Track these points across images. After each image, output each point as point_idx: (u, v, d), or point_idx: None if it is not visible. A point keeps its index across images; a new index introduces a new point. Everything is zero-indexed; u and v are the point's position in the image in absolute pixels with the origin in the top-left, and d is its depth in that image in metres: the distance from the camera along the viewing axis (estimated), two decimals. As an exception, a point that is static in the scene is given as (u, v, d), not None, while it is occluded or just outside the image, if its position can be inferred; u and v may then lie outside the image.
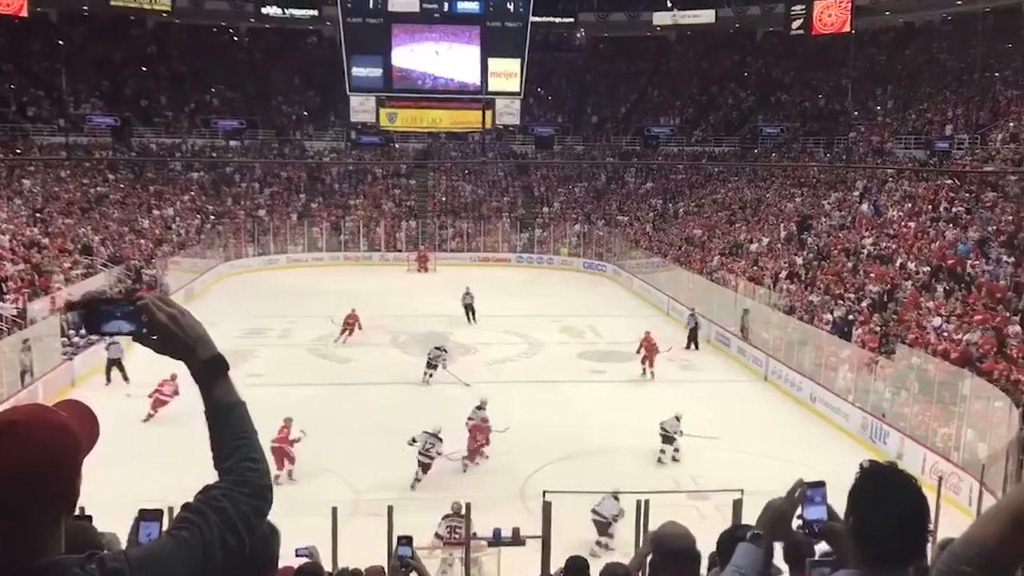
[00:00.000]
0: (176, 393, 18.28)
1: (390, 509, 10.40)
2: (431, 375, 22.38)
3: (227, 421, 1.94)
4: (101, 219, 37.14)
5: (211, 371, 1.97)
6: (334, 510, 10.54)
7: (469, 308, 29.98)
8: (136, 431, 17.98)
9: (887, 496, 2.09)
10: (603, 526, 13.54)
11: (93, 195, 39.60)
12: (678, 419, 17.50)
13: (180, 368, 2.03)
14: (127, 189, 42.44)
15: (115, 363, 21.84)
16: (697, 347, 27.25)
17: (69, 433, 1.73)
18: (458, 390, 21.56)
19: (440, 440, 16.05)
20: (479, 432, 17.22)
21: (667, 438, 17.47)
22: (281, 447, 16.00)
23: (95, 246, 33.08)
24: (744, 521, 10.88)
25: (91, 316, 1.94)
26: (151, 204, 41.91)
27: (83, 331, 21.96)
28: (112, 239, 35.04)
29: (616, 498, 13.52)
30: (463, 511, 11.58)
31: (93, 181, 41.30)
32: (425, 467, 15.95)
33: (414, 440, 15.97)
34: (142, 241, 36.51)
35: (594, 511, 13.58)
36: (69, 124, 43.40)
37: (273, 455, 15.55)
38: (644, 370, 23.66)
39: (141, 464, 15.22)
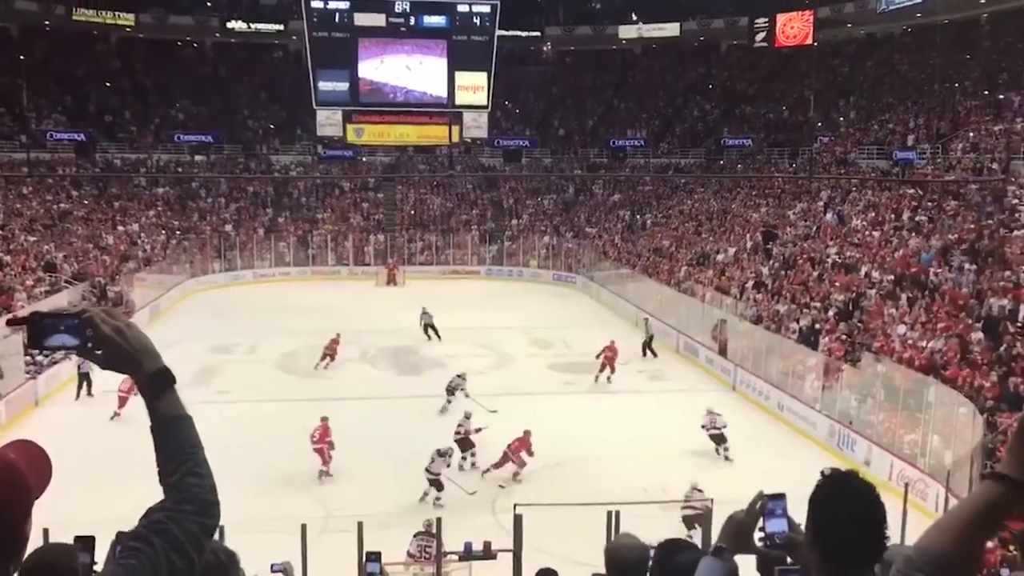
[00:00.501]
0: (132, 388, 18.08)
1: (360, 525, 10.33)
2: (451, 402, 21.47)
3: (173, 435, 1.91)
4: (65, 236, 36.71)
5: (157, 384, 1.93)
6: (303, 527, 10.44)
7: (428, 327, 29.37)
8: (109, 446, 17.74)
9: (844, 503, 2.13)
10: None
11: (56, 211, 39.15)
12: (719, 413, 18.47)
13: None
14: (91, 205, 41.99)
15: (86, 377, 21.55)
16: (655, 355, 27.46)
17: (16, 477, 1.70)
18: (431, 405, 21.52)
19: (442, 457, 15.87)
20: (519, 445, 17.24)
21: (718, 437, 18.16)
22: (322, 447, 17.00)
23: (59, 263, 32.69)
24: (714, 531, 10.93)
25: (34, 330, 1.87)
26: (116, 220, 41.47)
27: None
28: (76, 256, 34.64)
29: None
30: (434, 528, 11.54)
31: (56, 197, 40.84)
32: (433, 483, 15.78)
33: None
34: (106, 258, 36.11)
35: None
36: (31, 140, 42.89)
37: (318, 455, 17.09)
38: (597, 377, 24.19)
39: (113, 479, 15.02)
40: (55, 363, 22.63)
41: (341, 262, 44.61)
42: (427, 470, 15.83)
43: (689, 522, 14.00)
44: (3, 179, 39.50)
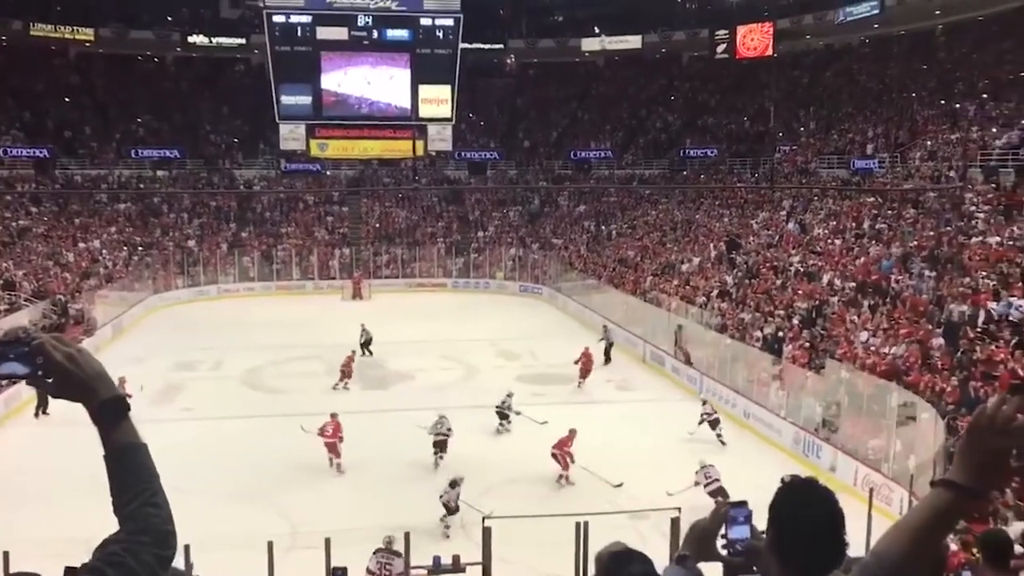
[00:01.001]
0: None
1: (327, 541, 10.28)
2: (504, 425, 21.06)
3: (127, 464, 1.87)
4: (24, 253, 36.19)
5: (111, 412, 1.89)
6: (270, 544, 10.36)
7: (365, 345, 29.04)
8: (70, 466, 17.47)
9: (803, 508, 2.16)
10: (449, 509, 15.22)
11: (15, 228, 38.59)
12: (705, 402, 20.79)
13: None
14: (51, 222, 41.46)
15: (44, 395, 21.23)
16: (609, 360, 27.95)
17: None
18: (398, 423, 21.44)
19: (453, 488, 15.52)
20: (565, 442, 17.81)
21: (713, 422, 19.84)
22: (333, 442, 18.12)
23: (18, 281, 32.21)
24: (682, 539, 10.96)
25: None
26: (76, 237, 40.95)
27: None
28: (36, 273, 34.16)
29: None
30: (394, 544, 11.51)
31: (15, 214, 40.28)
32: (448, 510, 15.48)
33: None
34: (67, 275, 35.64)
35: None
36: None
37: (329, 450, 18.22)
38: (580, 383, 24.89)
39: (75, 500, 14.79)
40: (14, 383, 22.26)
41: (306, 276, 44.37)
42: (440, 498, 15.57)
43: (715, 495, 15.09)
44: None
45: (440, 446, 18.36)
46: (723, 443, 19.67)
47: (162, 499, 1.87)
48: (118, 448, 1.87)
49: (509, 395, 21.60)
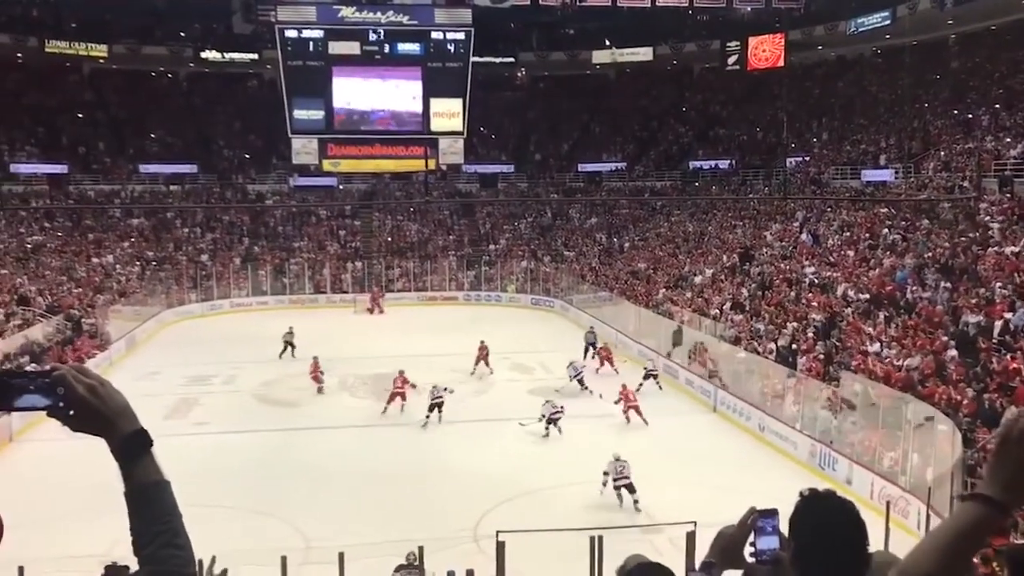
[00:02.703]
0: None
1: (341, 556, 10.25)
2: (548, 431, 21.23)
3: (149, 503, 1.81)
4: (38, 268, 36.39)
5: (133, 447, 1.83)
6: (283, 559, 10.35)
7: (288, 343, 30.63)
8: (85, 482, 17.50)
9: (824, 521, 2.15)
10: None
11: (30, 244, 38.82)
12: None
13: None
14: (65, 237, 41.71)
15: None
16: (591, 359, 29.28)
17: None
18: (410, 436, 21.42)
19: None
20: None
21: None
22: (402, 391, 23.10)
23: (32, 296, 32.36)
24: (698, 553, 10.89)
25: (2, 391, 1.78)
26: (90, 252, 41.18)
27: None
28: (50, 288, 34.33)
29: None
30: (417, 561, 11.44)
31: (29, 230, 40.53)
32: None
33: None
34: (81, 290, 35.80)
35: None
36: (4, 174, 42.61)
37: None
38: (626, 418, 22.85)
39: (89, 515, 14.81)
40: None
41: (318, 290, 44.45)
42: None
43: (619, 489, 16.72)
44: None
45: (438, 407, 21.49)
46: (660, 387, 24.76)
47: (184, 540, 1.82)
48: (139, 486, 1.82)
49: (548, 402, 21.72)
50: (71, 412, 1.78)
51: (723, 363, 25.24)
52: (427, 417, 22.24)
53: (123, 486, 1.81)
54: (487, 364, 28.40)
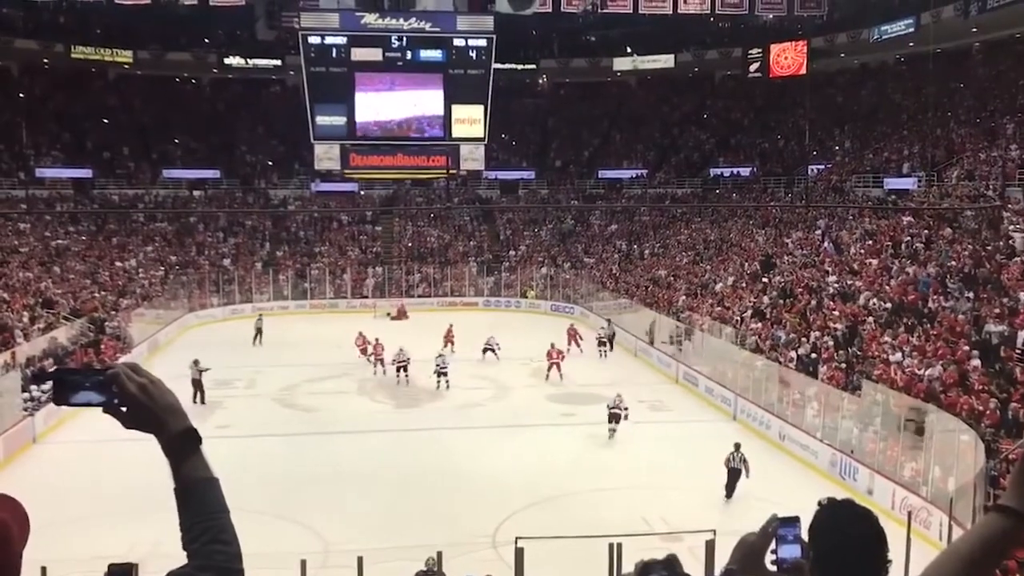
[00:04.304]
0: None
1: (359, 560, 10.28)
2: (614, 430, 21.69)
3: (198, 499, 1.86)
4: (63, 272, 36.73)
5: (183, 445, 1.88)
6: (303, 562, 10.39)
7: (259, 332, 32.31)
8: (106, 484, 17.65)
9: (843, 530, 2.14)
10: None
11: (54, 248, 39.20)
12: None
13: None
14: (89, 241, 42.09)
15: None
16: (611, 349, 32.79)
17: (6, 529, 1.69)
18: (431, 441, 21.45)
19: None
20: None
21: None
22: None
23: (57, 299, 32.66)
24: (717, 562, 10.85)
25: (60, 387, 1.86)
26: (113, 256, 41.54)
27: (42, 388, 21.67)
28: (74, 292, 34.63)
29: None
30: (436, 566, 11.45)
31: (54, 234, 40.91)
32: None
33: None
34: (104, 293, 36.09)
35: None
36: (30, 178, 43.07)
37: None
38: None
39: (109, 517, 14.92)
40: (51, 403, 22.53)
41: (339, 295, 44.63)
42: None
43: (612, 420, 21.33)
44: (1, 216, 39.57)
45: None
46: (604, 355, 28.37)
47: (231, 535, 1.86)
48: (189, 482, 1.86)
49: (619, 395, 22.08)
50: (124, 409, 1.84)
51: (742, 371, 25.13)
52: (396, 377, 27.71)
53: (173, 483, 1.86)
54: (451, 345, 31.02)
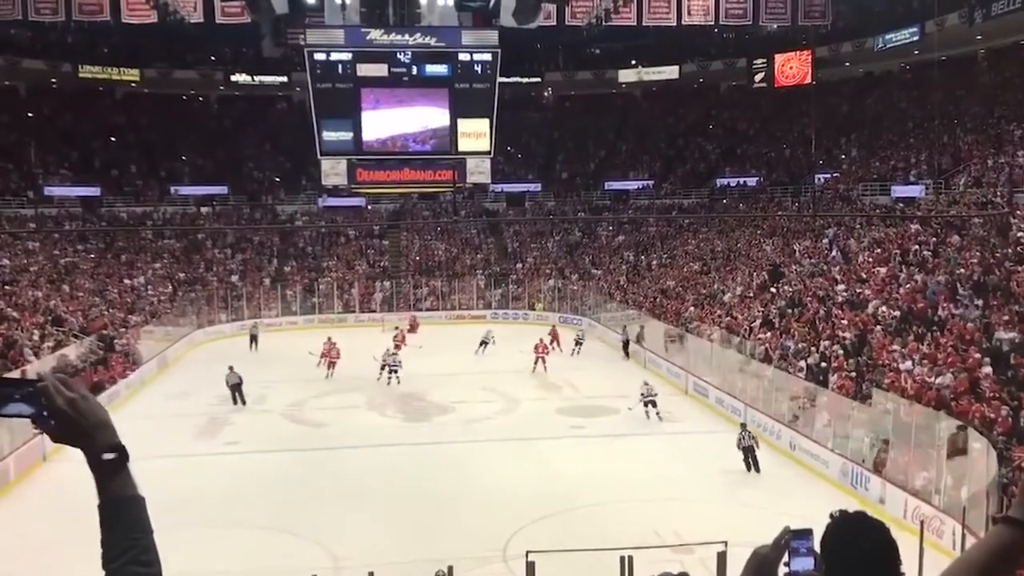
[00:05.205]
0: None
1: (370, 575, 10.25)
2: (655, 411, 24.36)
3: (122, 517, 1.82)
4: (72, 289, 36.85)
5: (109, 461, 1.85)
6: (313, 578, 10.37)
7: (236, 388, 27.33)
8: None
9: (855, 542, 2.14)
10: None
11: (63, 266, 39.35)
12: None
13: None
14: (97, 259, 42.24)
15: None
16: (627, 356, 34.24)
17: None
18: (440, 455, 21.41)
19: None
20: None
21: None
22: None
23: (66, 317, 32.75)
24: (730, 573, 10.80)
25: None
26: (122, 273, 41.67)
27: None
28: (83, 309, 34.73)
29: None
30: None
31: (63, 252, 41.07)
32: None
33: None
34: (113, 310, 36.19)
35: None
36: (38, 196, 43.30)
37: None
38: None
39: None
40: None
41: (347, 309, 44.68)
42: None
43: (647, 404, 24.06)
44: (10, 235, 39.74)
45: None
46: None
47: (152, 557, 1.80)
48: (114, 499, 1.82)
49: (647, 384, 25.03)
50: (52, 422, 1.82)
51: (753, 380, 25.07)
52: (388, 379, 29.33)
53: (98, 499, 1.83)
54: (399, 346, 32.42)
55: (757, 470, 19.61)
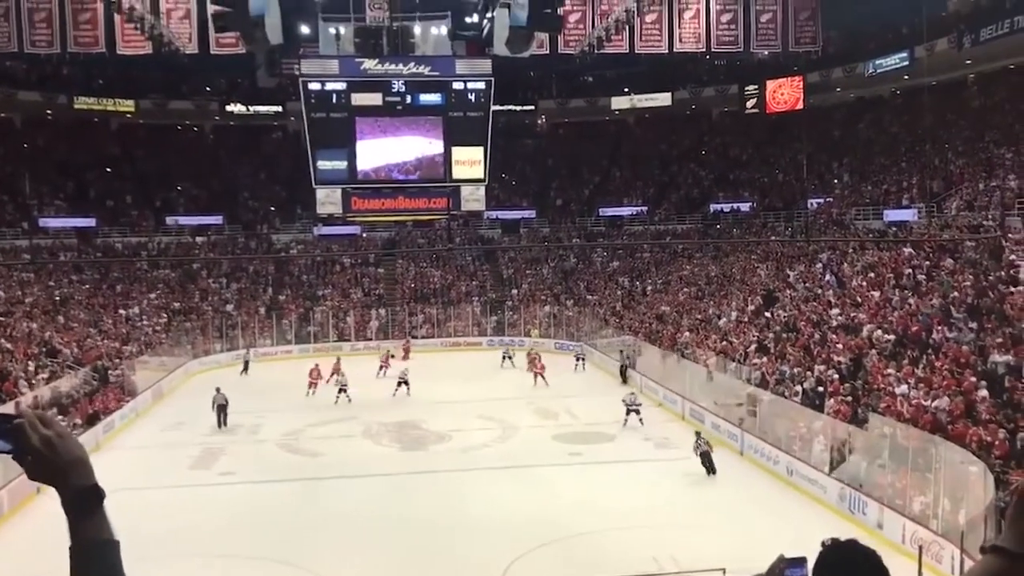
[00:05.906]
0: None
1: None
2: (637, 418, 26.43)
3: (93, 562, 1.75)
4: (66, 320, 36.77)
5: (84, 502, 1.78)
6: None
7: (222, 410, 27.77)
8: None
9: (847, 570, 2.14)
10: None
11: (58, 297, 39.29)
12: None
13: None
14: (92, 289, 42.19)
15: None
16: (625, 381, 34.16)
17: None
18: (437, 484, 21.33)
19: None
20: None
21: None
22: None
23: (60, 348, 32.67)
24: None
25: None
26: (117, 304, 41.61)
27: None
28: (78, 340, 34.64)
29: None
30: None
31: (58, 283, 41.03)
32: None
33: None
34: (108, 341, 36.10)
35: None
36: (33, 228, 43.32)
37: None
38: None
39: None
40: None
41: (343, 338, 44.61)
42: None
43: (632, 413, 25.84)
44: (5, 266, 39.69)
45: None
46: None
47: None
48: (86, 543, 1.76)
49: (632, 393, 27.44)
50: (29, 459, 1.79)
51: (748, 406, 25.04)
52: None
53: (70, 542, 1.76)
54: (330, 376, 33.19)
55: (714, 472, 21.30)
